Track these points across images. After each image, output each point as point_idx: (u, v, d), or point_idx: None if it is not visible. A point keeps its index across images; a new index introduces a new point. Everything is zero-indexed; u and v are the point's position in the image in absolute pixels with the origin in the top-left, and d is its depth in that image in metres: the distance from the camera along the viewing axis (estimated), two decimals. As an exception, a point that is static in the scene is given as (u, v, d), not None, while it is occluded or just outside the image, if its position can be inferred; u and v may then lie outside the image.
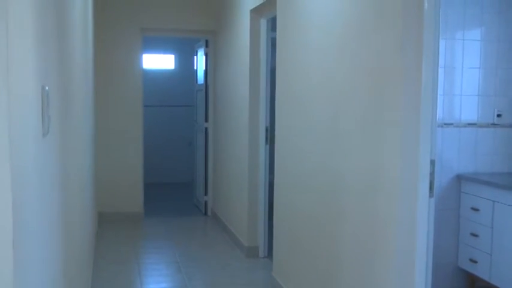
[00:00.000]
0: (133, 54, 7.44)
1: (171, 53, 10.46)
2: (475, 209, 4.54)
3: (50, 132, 1.87)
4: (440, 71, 4.65)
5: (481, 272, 4.50)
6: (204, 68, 7.80)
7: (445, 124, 4.79)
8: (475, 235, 4.55)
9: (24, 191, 1.36)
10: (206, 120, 7.77)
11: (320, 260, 3.86)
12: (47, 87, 1.81)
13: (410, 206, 2.79)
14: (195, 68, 8.44)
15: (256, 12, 5.70)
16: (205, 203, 7.84)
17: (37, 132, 1.63)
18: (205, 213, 7.84)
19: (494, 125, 4.88)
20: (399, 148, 2.87)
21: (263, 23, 5.76)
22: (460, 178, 4.74)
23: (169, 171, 10.35)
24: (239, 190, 6.16)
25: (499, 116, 4.88)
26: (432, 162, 2.81)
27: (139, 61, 7.49)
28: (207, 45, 7.71)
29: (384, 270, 3.00)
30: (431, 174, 2.81)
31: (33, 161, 1.53)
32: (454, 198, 4.76)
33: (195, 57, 8.41)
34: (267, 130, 5.72)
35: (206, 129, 7.79)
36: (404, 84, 2.83)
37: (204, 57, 7.77)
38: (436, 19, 2.80)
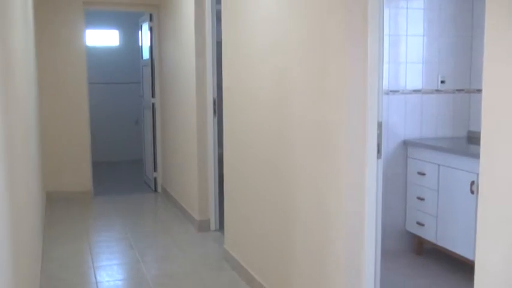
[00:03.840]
0: (76, 30, 7.25)
1: (115, 28, 10.24)
2: (421, 173, 4.65)
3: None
4: (386, 39, 4.73)
5: (427, 234, 4.62)
6: (149, 43, 7.66)
7: (391, 91, 4.86)
8: (421, 199, 4.66)
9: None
10: (153, 95, 7.67)
11: (271, 229, 3.88)
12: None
13: (359, 167, 2.82)
14: (140, 43, 8.29)
15: (200, -17, 5.62)
16: (155, 179, 7.77)
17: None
18: (155, 190, 7.78)
19: (438, 91, 4.99)
20: (347, 111, 2.90)
21: (208, -5, 5.68)
22: (406, 143, 4.83)
23: (118, 150, 10.21)
24: (189, 164, 6.12)
25: (442, 82, 4.98)
26: (379, 124, 2.84)
27: (82, 37, 7.30)
28: (151, 19, 7.57)
29: (335, 234, 3.04)
30: (379, 136, 2.84)
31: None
32: (401, 163, 4.86)
33: (140, 32, 8.25)
34: (214, 102, 5.67)
35: (153, 104, 7.68)
36: (350, 50, 2.86)
37: (148, 31, 7.63)
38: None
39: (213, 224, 5.77)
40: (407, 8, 4.85)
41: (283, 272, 3.72)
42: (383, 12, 2.85)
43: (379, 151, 2.84)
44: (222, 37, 4.83)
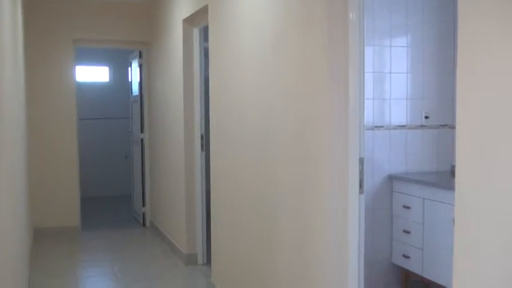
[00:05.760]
0: (66, 66, 7.33)
1: (105, 65, 10.35)
2: (407, 207, 4.71)
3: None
4: (370, 76, 4.84)
5: (413, 266, 4.66)
6: (138, 79, 7.76)
7: (376, 127, 4.94)
8: (407, 232, 4.71)
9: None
10: (142, 131, 7.73)
11: (257, 262, 3.91)
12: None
13: (342, 202, 2.88)
14: (130, 79, 8.39)
15: (188, 22, 5.74)
16: (144, 214, 7.78)
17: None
18: (144, 225, 7.78)
19: (422, 126, 5.08)
20: (329, 147, 2.96)
21: (196, 33, 5.80)
22: (391, 178, 4.90)
23: (107, 184, 10.20)
24: (176, 199, 6.15)
25: (426, 117, 5.08)
26: (361, 161, 2.91)
27: (72, 73, 7.38)
28: (140, 56, 7.69)
29: (319, 267, 3.08)
30: (361, 171, 2.91)
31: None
32: (386, 197, 4.92)
33: (129, 68, 8.36)
34: (202, 138, 5.74)
35: (142, 140, 7.74)
36: (332, 88, 2.94)
37: (138, 68, 7.74)
38: (361, 28, 2.90)
39: (201, 258, 5.78)
40: (391, 46, 4.96)
41: (269, 306, 3.74)
42: (363, 52, 2.94)
43: (361, 186, 2.90)
44: (209, 74, 4.92)
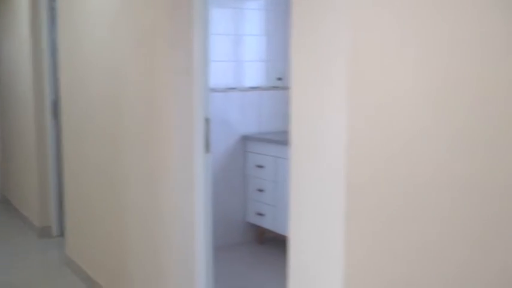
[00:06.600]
0: None
1: None
2: (260, 166, 4.82)
3: None
4: (225, 38, 4.86)
5: (267, 223, 4.81)
6: (-17, 43, 7.22)
7: (230, 89, 4.99)
8: (261, 190, 4.84)
9: None
10: (-11, 98, 7.24)
11: (109, 230, 3.85)
12: None
13: (188, 162, 2.88)
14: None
15: (33, -19, 5.40)
16: (-6, 187, 7.34)
17: None
18: (-5, 199, 7.35)
19: (275, 88, 5.19)
20: (175, 108, 2.94)
21: (43, -9, 5.47)
22: (245, 139, 4.98)
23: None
24: (28, 169, 5.86)
25: (279, 79, 5.20)
26: (207, 121, 2.92)
27: None
28: (-16, 17, 7.14)
29: (168, 229, 3.09)
30: (206, 131, 2.91)
31: None
32: (239, 158, 5.01)
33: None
34: (53, 104, 5.47)
35: (-10, 108, 7.26)
36: (176, 50, 2.93)
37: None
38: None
39: (55, 230, 5.57)
40: (246, 8, 4.99)
41: (121, 271, 3.70)
42: (208, 14, 2.92)
43: (207, 146, 2.91)
44: (58, 36, 4.69)
